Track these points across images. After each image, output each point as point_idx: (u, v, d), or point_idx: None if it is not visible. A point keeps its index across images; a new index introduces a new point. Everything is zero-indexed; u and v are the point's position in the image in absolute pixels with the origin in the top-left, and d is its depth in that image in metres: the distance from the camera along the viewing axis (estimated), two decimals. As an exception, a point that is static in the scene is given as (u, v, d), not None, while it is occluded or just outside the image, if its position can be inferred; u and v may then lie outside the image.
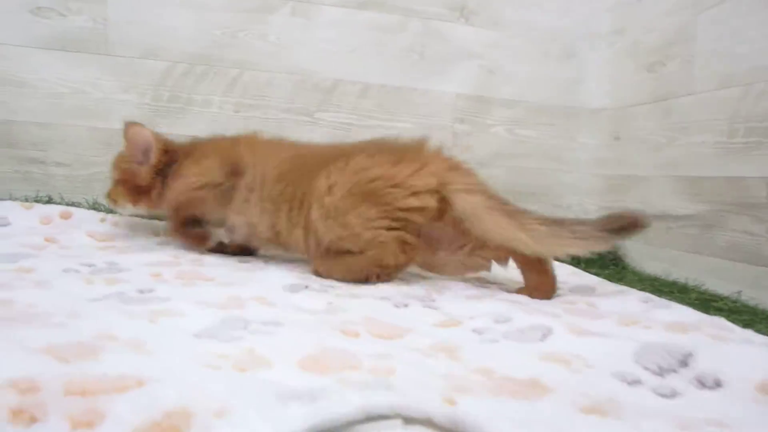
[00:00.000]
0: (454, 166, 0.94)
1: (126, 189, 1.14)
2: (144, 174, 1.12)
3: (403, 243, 0.90)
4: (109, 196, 1.17)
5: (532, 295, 0.86)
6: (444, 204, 0.90)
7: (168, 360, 0.50)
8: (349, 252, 0.92)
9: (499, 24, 1.56)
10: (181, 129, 1.43)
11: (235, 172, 1.07)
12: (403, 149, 0.96)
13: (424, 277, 1.01)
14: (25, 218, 1.21)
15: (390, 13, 1.48)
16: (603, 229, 0.84)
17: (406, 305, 0.80)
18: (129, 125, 1.14)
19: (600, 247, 0.86)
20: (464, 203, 0.88)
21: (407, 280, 0.97)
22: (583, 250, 0.87)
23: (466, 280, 1.01)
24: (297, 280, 0.90)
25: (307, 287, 0.86)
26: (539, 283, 0.89)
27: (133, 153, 1.13)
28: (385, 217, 0.89)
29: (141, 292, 0.76)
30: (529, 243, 0.84)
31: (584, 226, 0.85)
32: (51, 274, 0.82)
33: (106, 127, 1.39)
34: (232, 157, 1.08)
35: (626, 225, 0.85)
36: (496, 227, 0.85)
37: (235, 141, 1.14)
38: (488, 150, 1.57)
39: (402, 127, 1.51)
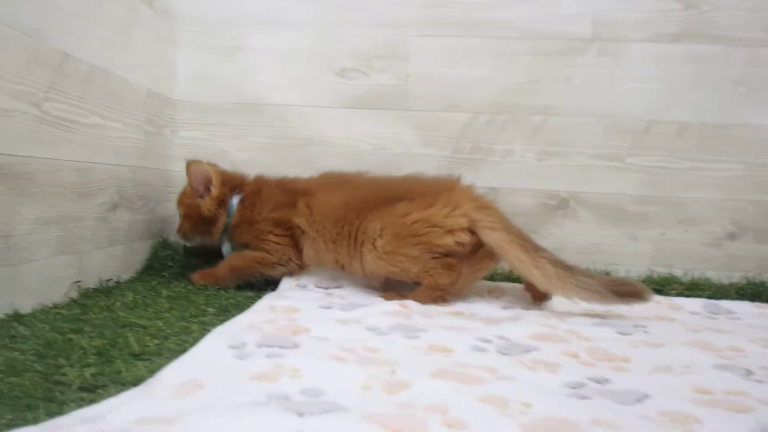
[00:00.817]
0: (483, 206, 1.08)
1: (192, 222, 1.21)
2: (208, 205, 1.19)
3: (448, 264, 1.04)
4: (179, 231, 1.24)
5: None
6: (475, 236, 1.05)
7: None
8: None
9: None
10: (482, 180, 1.33)
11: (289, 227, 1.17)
12: (438, 190, 1.09)
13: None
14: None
15: (710, 44, 1.34)
16: (607, 288, 0.95)
17: None
18: (190, 163, 1.20)
19: (599, 302, 0.96)
20: (490, 238, 1.04)
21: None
22: (582, 299, 0.97)
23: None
24: None
25: None
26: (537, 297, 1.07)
27: (196, 187, 1.20)
28: (427, 252, 1.04)
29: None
30: (539, 279, 0.98)
31: (591, 279, 0.96)
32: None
33: (405, 182, 1.33)
34: (288, 216, 1.16)
35: (629, 293, 0.95)
36: (516, 260, 1.01)
37: (293, 191, 1.18)
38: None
39: (726, 170, 1.33)
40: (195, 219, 1.20)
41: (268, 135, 1.38)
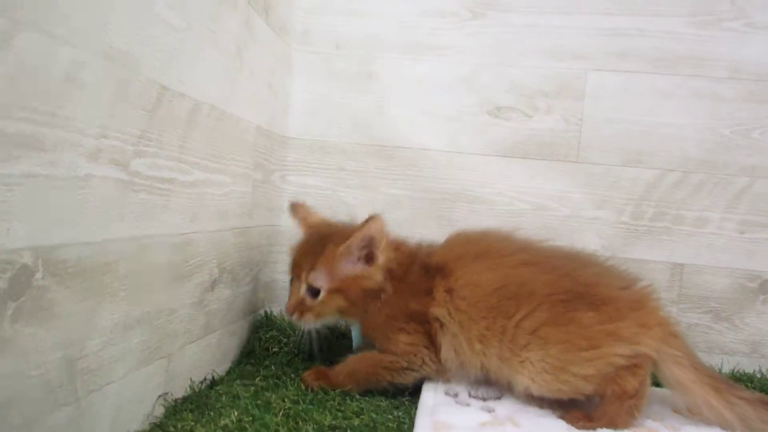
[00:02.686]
0: (673, 333, 0.84)
1: (349, 298, 0.89)
2: (377, 276, 0.88)
3: (633, 365, 0.81)
4: (307, 311, 0.88)
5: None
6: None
7: None
8: None
9: None
10: (664, 254, 1.07)
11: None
12: (630, 300, 0.84)
13: None
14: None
15: None
16: None
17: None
18: (370, 220, 0.86)
19: None
20: (673, 374, 0.83)
21: None
22: None
23: None
24: None
25: None
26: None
27: (354, 249, 0.88)
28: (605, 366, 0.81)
29: None
30: (735, 423, 0.79)
31: None
32: None
33: (568, 252, 1.07)
34: (424, 306, 0.90)
35: None
36: (704, 403, 0.81)
37: (428, 269, 0.91)
38: None
39: None
40: (354, 294, 0.88)
41: (402, 185, 1.12)
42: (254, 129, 0.98)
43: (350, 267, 0.87)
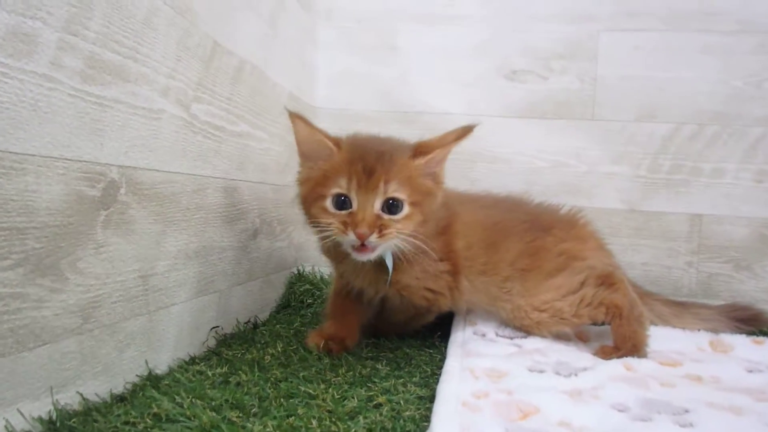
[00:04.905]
0: (602, 245, 0.99)
1: (425, 209, 0.81)
2: (439, 194, 0.84)
3: (608, 280, 0.91)
4: (376, 224, 0.77)
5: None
6: None
7: None
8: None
9: None
10: (683, 205, 1.15)
11: None
12: (565, 221, 0.98)
13: None
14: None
15: None
16: (725, 316, 1.00)
17: None
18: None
19: (720, 330, 0.98)
20: None
21: None
22: (703, 329, 0.99)
23: None
24: None
25: None
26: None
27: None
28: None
29: None
30: (655, 321, 0.98)
31: (707, 310, 1.01)
32: None
33: (590, 206, 1.15)
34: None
35: (747, 318, 1.00)
36: None
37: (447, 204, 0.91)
38: None
39: None
40: (429, 210, 0.81)
41: (423, 149, 1.23)
42: (287, 94, 1.10)
43: (424, 181, 0.81)
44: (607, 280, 0.90)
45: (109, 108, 0.59)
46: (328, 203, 0.78)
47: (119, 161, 0.61)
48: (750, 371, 0.86)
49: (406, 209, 0.78)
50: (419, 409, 0.66)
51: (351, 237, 0.75)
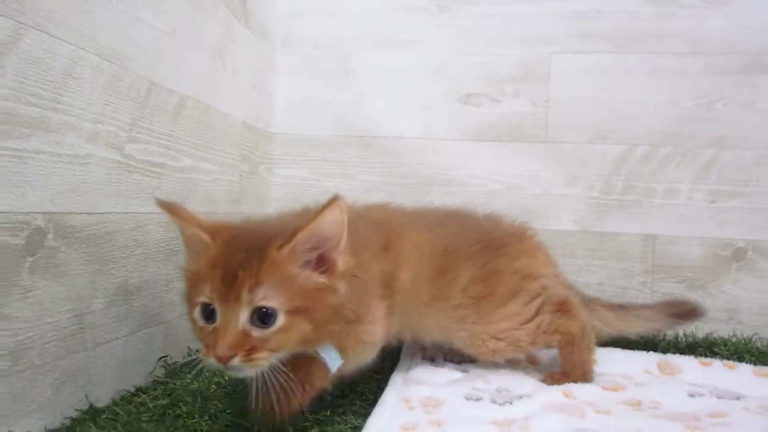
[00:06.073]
0: (550, 258, 1.01)
1: (313, 317, 0.66)
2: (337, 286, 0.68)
3: (562, 307, 0.94)
4: (240, 346, 0.62)
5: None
6: None
7: None
8: None
9: None
10: (636, 226, 1.18)
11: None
12: (513, 236, 0.97)
13: None
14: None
15: None
16: (664, 313, 1.04)
17: None
18: (331, 201, 0.64)
19: (659, 327, 1.05)
20: None
21: None
22: (647, 331, 1.05)
23: None
24: None
25: None
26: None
27: (316, 242, 0.67)
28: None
29: None
30: (601, 327, 1.02)
31: (647, 310, 1.05)
32: None
33: (544, 228, 1.18)
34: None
35: (686, 312, 1.04)
36: None
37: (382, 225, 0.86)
38: None
39: None
40: (322, 313, 0.66)
41: (381, 172, 1.27)
42: (240, 124, 1.13)
43: (309, 277, 0.66)
44: (563, 307, 0.92)
45: (29, 159, 0.62)
46: (197, 314, 0.65)
47: (45, 208, 0.65)
48: (691, 395, 0.89)
49: (280, 320, 0.63)
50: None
51: (212, 360, 0.61)
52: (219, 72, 1.05)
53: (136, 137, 0.81)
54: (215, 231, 0.67)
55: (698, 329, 1.14)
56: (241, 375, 0.65)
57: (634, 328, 1.04)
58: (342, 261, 0.67)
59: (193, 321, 0.66)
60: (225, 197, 1.08)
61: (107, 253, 0.76)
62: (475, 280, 0.90)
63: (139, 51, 0.81)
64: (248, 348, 0.62)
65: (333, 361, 0.71)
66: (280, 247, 0.64)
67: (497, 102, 1.22)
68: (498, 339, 0.90)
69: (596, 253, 1.20)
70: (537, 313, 0.91)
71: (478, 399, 0.84)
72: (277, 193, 1.28)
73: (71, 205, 0.69)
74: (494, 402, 0.83)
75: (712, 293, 1.17)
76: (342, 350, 0.72)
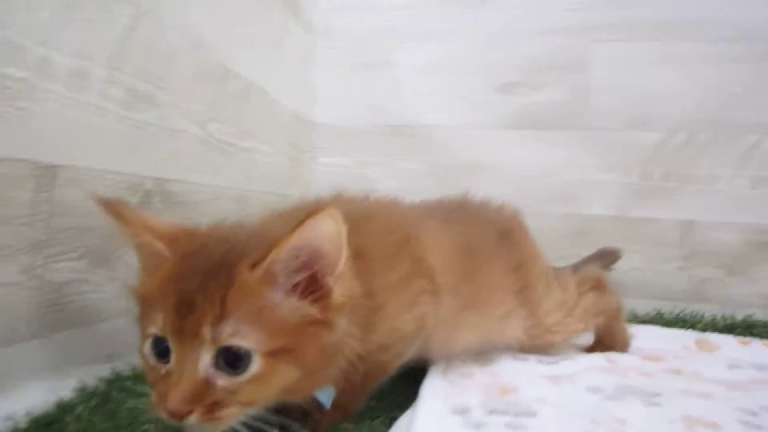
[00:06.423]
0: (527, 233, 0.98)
1: (307, 353, 0.49)
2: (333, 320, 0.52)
3: (596, 283, 0.96)
4: (199, 399, 0.46)
5: None
6: None
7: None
8: None
9: None
10: (674, 212, 1.23)
11: None
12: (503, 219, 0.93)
13: None
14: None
15: None
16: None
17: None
18: (317, 214, 0.47)
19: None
20: None
21: None
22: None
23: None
24: None
25: None
26: None
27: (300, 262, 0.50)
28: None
29: None
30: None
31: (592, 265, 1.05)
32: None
33: (580, 213, 1.25)
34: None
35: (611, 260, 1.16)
36: None
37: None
38: None
39: None
40: (311, 353, 0.49)
41: (420, 161, 1.33)
42: (289, 113, 1.23)
43: (296, 306, 0.49)
44: (598, 284, 0.92)
45: (144, 129, 0.73)
46: (147, 348, 0.49)
47: (153, 173, 0.75)
48: (731, 367, 0.92)
49: (256, 365, 0.46)
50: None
51: (163, 414, 0.45)
52: (276, 63, 1.15)
53: (215, 117, 0.91)
54: (174, 239, 0.51)
55: (737, 312, 1.17)
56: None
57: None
58: (340, 290, 0.50)
59: (143, 356, 0.49)
60: (280, 178, 1.18)
61: (195, 220, 0.86)
62: (506, 273, 0.83)
63: (217, 39, 0.91)
64: (210, 402, 0.45)
65: (326, 396, 0.57)
66: (253, 265, 0.47)
67: (535, 90, 1.28)
68: (553, 332, 0.88)
69: (633, 238, 1.24)
70: (579, 297, 0.90)
71: (524, 360, 0.91)
72: (321, 179, 1.36)
73: (170, 173, 0.79)
74: (540, 362, 0.89)
75: (752, 278, 1.21)
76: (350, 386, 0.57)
